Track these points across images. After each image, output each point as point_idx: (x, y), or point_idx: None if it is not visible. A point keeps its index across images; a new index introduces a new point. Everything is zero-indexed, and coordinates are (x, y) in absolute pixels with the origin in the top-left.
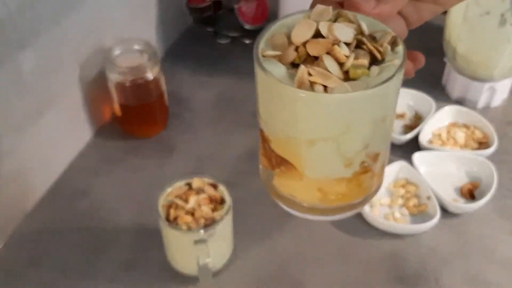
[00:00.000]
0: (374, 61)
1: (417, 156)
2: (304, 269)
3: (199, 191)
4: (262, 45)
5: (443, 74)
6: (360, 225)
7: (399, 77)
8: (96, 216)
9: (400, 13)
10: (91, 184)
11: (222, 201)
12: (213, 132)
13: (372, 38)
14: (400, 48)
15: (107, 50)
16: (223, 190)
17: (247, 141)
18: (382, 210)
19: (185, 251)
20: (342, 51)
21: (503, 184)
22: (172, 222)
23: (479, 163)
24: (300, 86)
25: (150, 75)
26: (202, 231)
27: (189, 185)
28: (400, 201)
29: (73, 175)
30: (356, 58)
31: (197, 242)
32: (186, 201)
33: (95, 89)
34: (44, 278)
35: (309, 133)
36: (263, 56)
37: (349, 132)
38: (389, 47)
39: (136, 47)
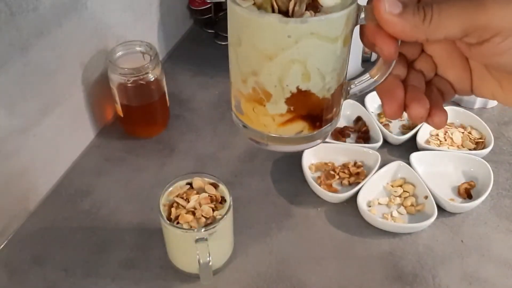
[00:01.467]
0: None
1: (414, 156)
2: (303, 267)
3: (200, 190)
4: None
5: None
6: (359, 224)
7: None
8: (98, 215)
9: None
10: (93, 183)
11: (222, 200)
12: (213, 132)
13: (314, 6)
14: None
15: (109, 51)
16: (223, 189)
17: (247, 141)
18: (380, 209)
19: (186, 250)
20: None
21: (499, 183)
22: (173, 221)
23: (476, 163)
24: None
25: (151, 76)
26: (202, 230)
27: (190, 184)
28: (398, 200)
29: (75, 175)
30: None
31: (198, 241)
32: (187, 200)
33: (98, 90)
34: (46, 276)
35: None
36: None
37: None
38: (307, 14)
39: (138, 48)
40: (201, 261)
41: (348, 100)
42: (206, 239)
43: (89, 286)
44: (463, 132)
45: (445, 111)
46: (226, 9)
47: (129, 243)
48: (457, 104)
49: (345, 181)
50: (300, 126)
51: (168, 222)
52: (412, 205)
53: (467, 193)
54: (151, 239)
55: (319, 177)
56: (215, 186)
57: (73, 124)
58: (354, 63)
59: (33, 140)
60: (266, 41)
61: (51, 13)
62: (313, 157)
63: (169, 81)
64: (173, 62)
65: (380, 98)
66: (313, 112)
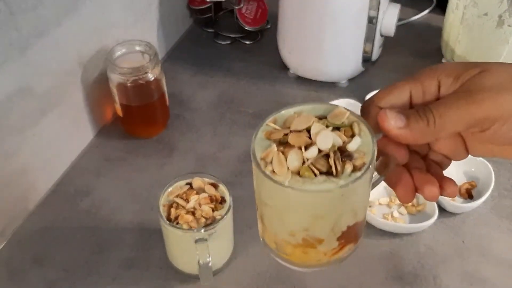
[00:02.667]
0: (330, 173)
1: None
2: None
3: (200, 190)
4: (271, 118)
5: None
6: None
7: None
8: (98, 215)
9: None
10: (93, 183)
11: (222, 201)
12: (213, 132)
13: (347, 155)
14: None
15: (108, 51)
16: (223, 189)
17: (247, 141)
18: (381, 209)
19: (185, 250)
20: (308, 154)
21: (500, 183)
22: (173, 221)
23: (477, 163)
24: (264, 158)
25: (151, 76)
26: (202, 230)
27: (189, 184)
28: (399, 200)
29: (75, 175)
30: (314, 164)
31: (197, 241)
32: (187, 200)
33: (97, 89)
34: (46, 276)
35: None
36: (266, 125)
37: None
38: (348, 170)
39: (138, 48)
40: (201, 261)
41: (348, 100)
42: (206, 240)
43: (89, 286)
44: None
45: (453, 181)
46: (225, 9)
47: (129, 243)
48: None
49: None
50: (348, 248)
51: (167, 222)
52: (412, 205)
53: (468, 193)
54: (151, 239)
55: None
56: (215, 186)
57: (73, 124)
58: (354, 63)
59: (33, 140)
60: (320, 206)
61: (51, 13)
62: None
63: (168, 80)
64: (172, 62)
65: (391, 187)
66: (358, 232)
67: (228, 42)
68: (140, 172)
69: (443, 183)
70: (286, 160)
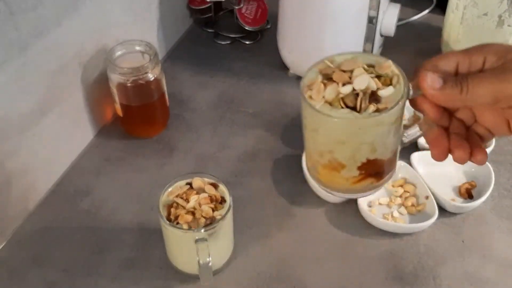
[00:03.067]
0: (355, 109)
1: (415, 156)
2: (304, 268)
3: (200, 190)
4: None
5: None
6: (359, 224)
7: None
8: (98, 215)
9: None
10: (93, 183)
11: (222, 201)
12: (213, 132)
13: (375, 99)
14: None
15: (108, 51)
16: (223, 189)
17: (247, 141)
18: (381, 209)
19: (185, 250)
20: (343, 89)
21: (500, 183)
22: (173, 221)
23: None
24: (309, 85)
25: (151, 76)
26: (202, 230)
27: (189, 184)
28: (399, 200)
29: (75, 175)
30: (344, 98)
31: (197, 241)
32: (187, 200)
33: (97, 89)
34: (46, 276)
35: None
36: (323, 62)
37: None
38: (370, 110)
39: (138, 48)
40: (201, 261)
41: None
42: (206, 240)
43: (89, 286)
44: None
45: (484, 151)
46: (225, 9)
47: (129, 243)
48: None
49: None
50: (369, 182)
51: (167, 222)
52: (412, 205)
53: (468, 193)
54: (151, 239)
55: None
56: (215, 186)
57: (73, 124)
58: None
59: (33, 140)
60: (340, 132)
61: (51, 13)
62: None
63: (168, 80)
64: (172, 62)
65: (428, 144)
66: (379, 170)
67: (228, 42)
68: (140, 172)
69: (475, 151)
70: (324, 90)
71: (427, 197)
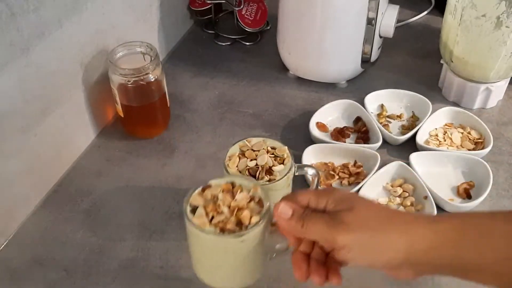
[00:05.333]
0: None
1: (414, 156)
2: None
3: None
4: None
5: (440, 76)
6: None
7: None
8: (99, 215)
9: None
10: (94, 183)
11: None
12: (213, 132)
13: (269, 168)
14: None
15: (109, 52)
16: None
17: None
18: None
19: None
20: (250, 163)
21: (498, 184)
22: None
23: (475, 163)
24: (230, 156)
25: (152, 77)
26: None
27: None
28: (398, 200)
29: (76, 175)
30: (249, 169)
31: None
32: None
33: (98, 90)
34: (46, 276)
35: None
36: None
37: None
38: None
39: (138, 49)
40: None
41: (348, 100)
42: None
43: (89, 286)
44: (462, 133)
45: (339, 275)
46: (225, 10)
47: (129, 243)
48: (457, 104)
49: (345, 181)
50: None
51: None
52: (411, 205)
53: (467, 193)
54: (151, 239)
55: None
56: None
57: (74, 124)
58: (354, 64)
59: (34, 140)
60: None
61: (52, 14)
62: (313, 157)
63: (169, 81)
64: (173, 63)
65: (293, 266)
66: None
67: (228, 43)
68: (141, 172)
69: (331, 275)
70: (238, 162)
71: (425, 197)
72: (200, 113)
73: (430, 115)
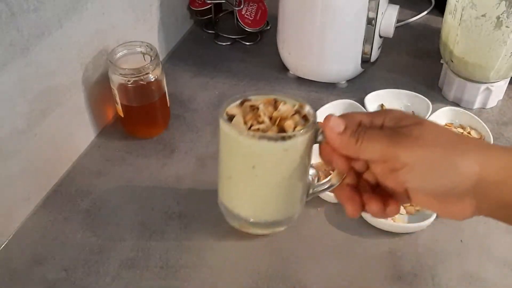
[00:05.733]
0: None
1: None
2: (303, 267)
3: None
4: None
5: (440, 76)
6: (359, 224)
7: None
8: (99, 215)
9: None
10: (94, 183)
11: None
12: (213, 132)
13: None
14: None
15: (109, 52)
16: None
17: None
18: None
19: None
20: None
21: None
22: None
23: None
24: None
25: (152, 77)
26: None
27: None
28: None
29: (76, 175)
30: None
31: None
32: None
33: (98, 90)
34: (46, 276)
35: None
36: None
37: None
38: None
39: (138, 49)
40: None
41: (348, 100)
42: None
43: (89, 286)
44: (462, 132)
45: (393, 200)
46: (225, 10)
47: (129, 243)
48: (457, 104)
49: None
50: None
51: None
52: (411, 204)
53: None
54: (151, 239)
55: (319, 177)
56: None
57: (74, 124)
58: (354, 64)
59: (34, 140)
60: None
61: (52, 14)
62: (312, 157)
63: (169, 81)
64: (173, 63)
65: (343, 203)
66: None
67: (228, 43)
68: (141, 172)
69: (388, 201)
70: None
71: None
72: (200, 113)
73: (430, 115)
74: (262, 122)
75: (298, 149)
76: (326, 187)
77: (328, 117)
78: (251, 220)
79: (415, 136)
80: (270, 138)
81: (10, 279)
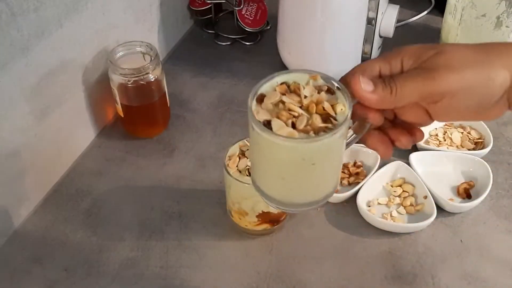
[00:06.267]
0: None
1: (414, 156)
2: (303, 267)
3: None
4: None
5: None
6: (359, 224)
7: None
8: (99, 215)
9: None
10: (94, 183)
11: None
12: (213, 132)
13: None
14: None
15: (109, 52)
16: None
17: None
18: (379, 209)
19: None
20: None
21: (498, 183)
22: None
23: (475, 163)
24: (230, 156)
25: (152, 77)
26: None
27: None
28: (398, 200)
29: (76, 175)
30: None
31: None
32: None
33: (98, 90)
34: (46, 276)
35: None
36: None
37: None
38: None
39: (138, 49)
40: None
41: None
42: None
43: (89, 286)
44: (462, 132)
45: (418, 129)
46: (225, 10)
47: (129, 243)
48: None
49: (345, 181)
50: (264, 226)
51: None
52: (411, 205)
53: (466, 193)
54: (151, 239)
55: None
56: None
57: (74, 124)
58: (354, 64)
59: (34, 140)
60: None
61: (52, 14)
62: None
63: (169, 81)
64: (173, 63)
65: (373, 148)
66: (272, 219)
67: (229, 43)
68: (141, 172)
69: (413, 131)
70: (238, 162)
71: (425, 197)
72: (200, 113)
73: None
74: (299, 116)
75: (346, 126)
76: (351, 139)
77: (356, 81)
78: (309, 201)
79: (443, 66)
80: (329, 133)
81: (10, 278)
